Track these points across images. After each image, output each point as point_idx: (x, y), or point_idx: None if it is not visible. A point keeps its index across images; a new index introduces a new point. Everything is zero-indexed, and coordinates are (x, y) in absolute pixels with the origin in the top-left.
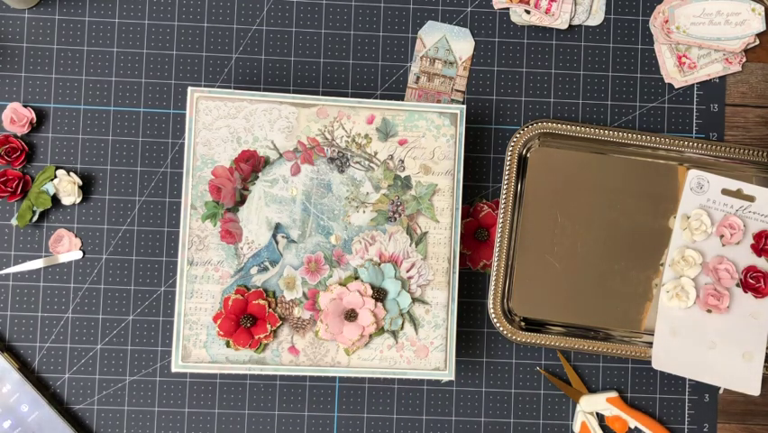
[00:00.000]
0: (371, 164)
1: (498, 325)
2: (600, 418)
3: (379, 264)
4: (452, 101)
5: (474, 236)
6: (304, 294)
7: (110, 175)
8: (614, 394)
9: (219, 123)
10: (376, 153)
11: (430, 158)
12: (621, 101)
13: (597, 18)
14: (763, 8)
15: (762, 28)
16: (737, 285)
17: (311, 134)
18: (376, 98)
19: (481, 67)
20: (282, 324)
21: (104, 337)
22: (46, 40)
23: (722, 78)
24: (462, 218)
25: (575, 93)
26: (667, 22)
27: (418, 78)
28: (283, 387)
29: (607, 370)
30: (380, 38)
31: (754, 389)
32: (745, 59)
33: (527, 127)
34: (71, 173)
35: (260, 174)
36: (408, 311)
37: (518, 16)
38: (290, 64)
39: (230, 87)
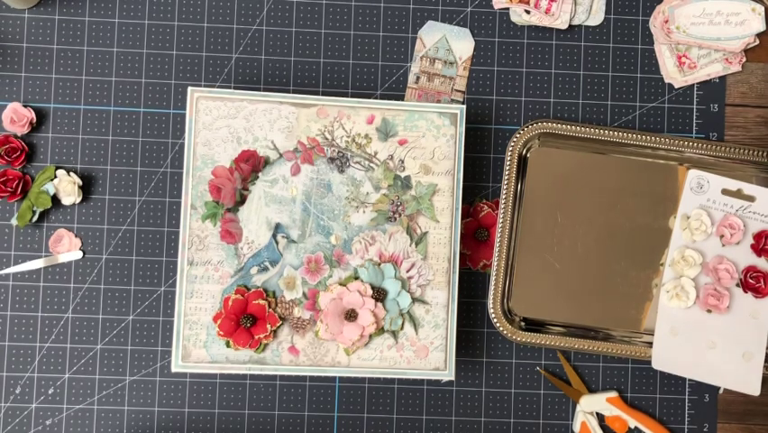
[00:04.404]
0: (371, 164)
1: (498, 325)
2: (600, 418)
3: (379, 264)
4: (452, 101)
5: (474, 236)
6: (304, 294)
7: (110, 175)
8: (614, 394)
9: (219, 123)
10: (376, 153)
11: (430, 158)
12: (621, 101)
13: (597, 18)
14: (763, 8)
15: (762, 28)
16: (737, 285)
17: (311, 134)
18: (376, 98)
19: (481, 67)
20: (282, 324)
21: (104, 337)
22: (46, 40)
23: (722, 78)
24: (462, 218)
25: (575, 93)
26: (667, 22)
27: (418, 78)
28: (283, 387)
29: (607, 370)
30: (380, 38)
31: (754, 389)
32: (745, 59)
33: (527, 127)
34: (71, 173)
35: (260, 174)
36: (408, 311)
37: (518, 16)
38: (290, 64)
39: (230, 87)
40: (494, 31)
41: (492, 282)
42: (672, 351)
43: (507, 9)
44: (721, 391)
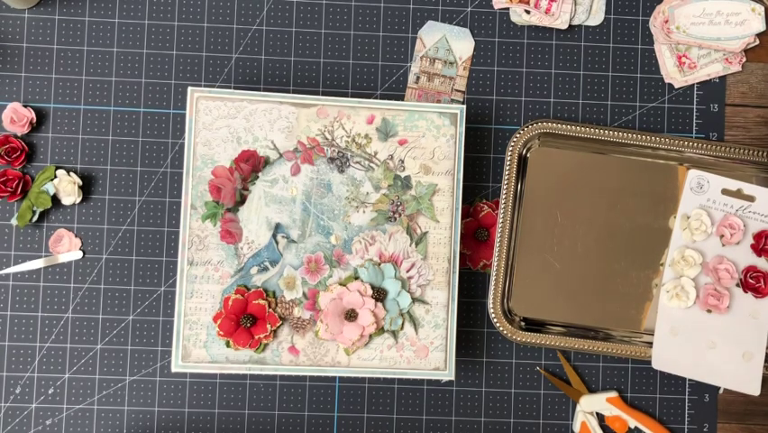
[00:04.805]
0: (371, 164)
1: (498, 325)
2: (600, 418)
3: (379, 264)
4: (452, 101)
5: (474, 236)
6: (304, 294)
7: (110, 175)
8: (614, 394)
9: (219, 123)
10: (376, 153)
11: (430, 158)
12: (621, 101)
13: (597, 18)
14: (763, 8)
15: (762, 28)
16: (737, 285)
17: (311, 134)
18: (376, 98)
19: (481, 67)
20: (282, 324)
21: (104, 337)
22: (46, 40)
23: (722, 78)
24: (462, 218)
25: (575, 93)
26: (667, 22)
27: (418, 78)
28: (283, 387)
29: (607, 370)
30: (380, 38)
31: (754, 389)
32: (745, 59)
33: (527, 127)
34: (71, 173)
35: (260, 174)
36: (408, 311)
37: (518, 16)
38: (290, 64)
39: (230, 87)
40: (494, 31)
41: (492, 282)
42: (672, 351)
43: (507, 9)
44: (721, 391)
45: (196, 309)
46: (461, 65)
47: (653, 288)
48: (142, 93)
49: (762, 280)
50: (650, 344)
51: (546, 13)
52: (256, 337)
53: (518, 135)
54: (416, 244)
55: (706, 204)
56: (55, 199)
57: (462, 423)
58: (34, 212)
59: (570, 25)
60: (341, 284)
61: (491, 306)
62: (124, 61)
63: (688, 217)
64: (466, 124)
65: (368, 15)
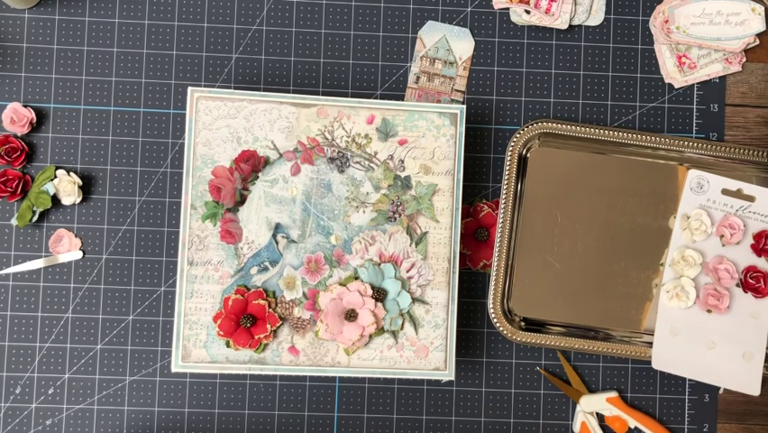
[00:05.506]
0: (371, 164)
1: (498, 325)
2: (600, 418)
3: (379, 264)
4: (452, 101)
5: (474, 236)
6: (304, 294)
7: (110, 175)
8: (614, 394)
9: (219, 123)
10: (376, 153)
11: (430, 158)
12: (621, 101)
13: (597, 18)
14: (763, 8)
15: (762, 28)
16: (737, 285)
17: (311, 134)
18: (376, 98)
19: (481, 67)
20: (282, 324)
21: (104, 337)
22: (46, 40)
23: (722, 78)
24: (462, 218)
25: (575, 93)
26: (667, 22)
27: (418, 78)
28: (283, 387)
29: (607, 370)
30: (380, 38)
31: (754, 389)
32: (745, 59)
33: (527, 127)
34: (71, 173)
35: (260, 174)
36: (408, 311)
37: (518, 16)
38: (290, 64)
39: (230, 87)
40: (494, 31)
41: (492, 282)
42: (672, 351)
43: (507, 9)
44: (721, 391)
45: (196, 309)
46: (461, 65)
47: (653, 288)
48: (142, 93)
49: (762, 281)
50: (650, 344)
51: (546, 13)
52: (256, 337)
53: (518, 135)
54: (416, 244)
55: (706, 204)
56: (55, 199)
57: (462, 423)
58: (34, 212)
59: (570, 25)
60: (341, 284)
61: (491, 306)
62: (124, 61)
63: (688, 217)
64: (466, 124)
65: (368, 15)
